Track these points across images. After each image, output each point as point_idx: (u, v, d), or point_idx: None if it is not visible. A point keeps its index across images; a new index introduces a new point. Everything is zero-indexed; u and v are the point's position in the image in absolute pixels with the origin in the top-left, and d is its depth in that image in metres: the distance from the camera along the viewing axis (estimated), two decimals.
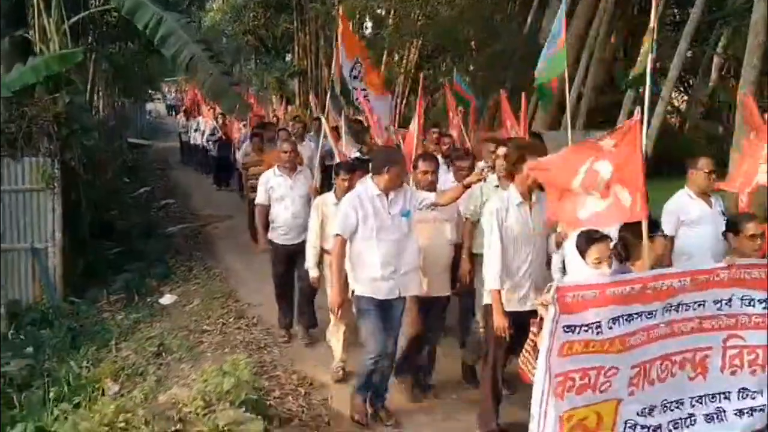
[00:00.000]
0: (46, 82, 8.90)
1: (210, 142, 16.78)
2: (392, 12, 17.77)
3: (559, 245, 4.68)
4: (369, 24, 22.16)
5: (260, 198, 6.75)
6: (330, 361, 5.97)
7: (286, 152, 6.73)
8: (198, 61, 9.02)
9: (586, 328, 3.62)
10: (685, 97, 19.66)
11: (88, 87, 14.89)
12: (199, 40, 9.41)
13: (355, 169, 5.91)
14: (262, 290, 8.37)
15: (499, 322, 4.39)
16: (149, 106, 39.03)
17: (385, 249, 4.74)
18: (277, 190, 6.62)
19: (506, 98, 8.34)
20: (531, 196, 4.58)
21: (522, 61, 14.73)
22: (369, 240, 4.74)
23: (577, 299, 3.61)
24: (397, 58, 18.90)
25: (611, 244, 4.11)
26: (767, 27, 8.82)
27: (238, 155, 12.47)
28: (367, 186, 4.84)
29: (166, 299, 8.60)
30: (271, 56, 26.22)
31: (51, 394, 6.03)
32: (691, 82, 19.10)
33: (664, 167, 8.92)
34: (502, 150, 5.31)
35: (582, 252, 4.14)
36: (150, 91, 30.12)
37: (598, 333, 3.64)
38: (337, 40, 7.15)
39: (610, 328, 3.65)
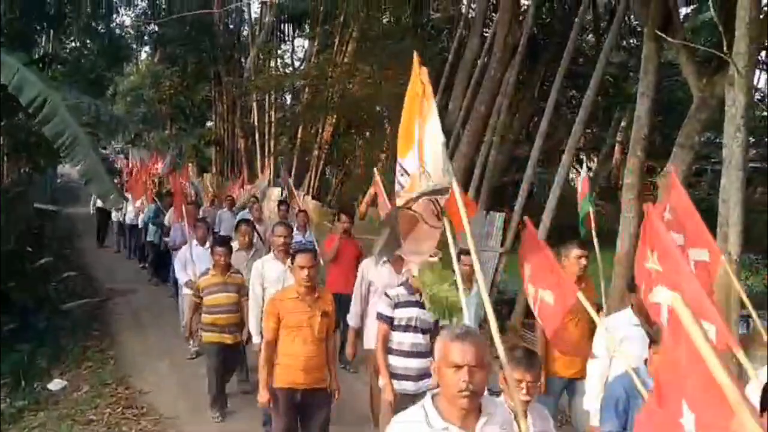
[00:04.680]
0: None
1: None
2: (306, 88, 18.15)
3: None
4: (288, 96, 22.51)
5: None
6: None
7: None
8: (77, 144, 8.90)
9: None
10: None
11: None
12: (84, 123, 9.34)
13: None
14: (155, 374, 8.24)
15: None
16: (60, 169, 37.98)
17: None
18: None
19: None
20: None
21: None
22: None
23: None
24: (312, 131, 19.18)
25: None
26: (650, 122, 9.37)
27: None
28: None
29: (55, 384, 8.28)
30: (190, 123, 26.17)
31: None
32: (595, 160, 20.20)
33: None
34: None
35: None
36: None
37: None
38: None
39: None
